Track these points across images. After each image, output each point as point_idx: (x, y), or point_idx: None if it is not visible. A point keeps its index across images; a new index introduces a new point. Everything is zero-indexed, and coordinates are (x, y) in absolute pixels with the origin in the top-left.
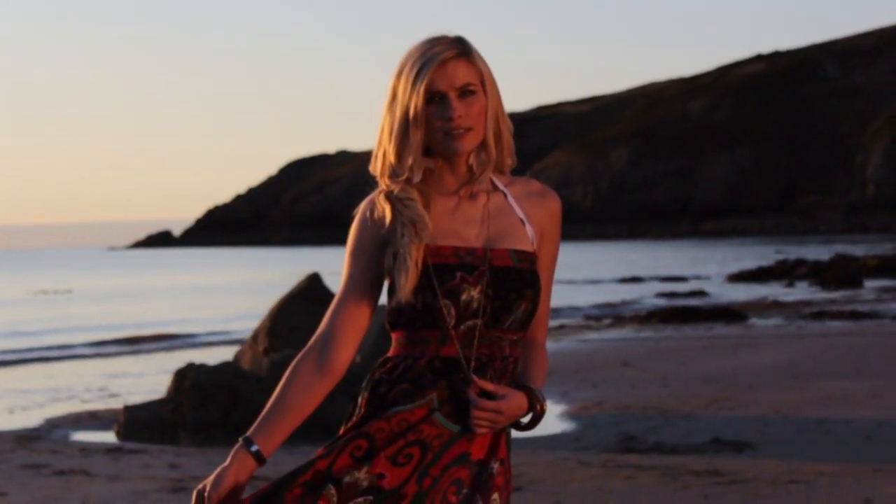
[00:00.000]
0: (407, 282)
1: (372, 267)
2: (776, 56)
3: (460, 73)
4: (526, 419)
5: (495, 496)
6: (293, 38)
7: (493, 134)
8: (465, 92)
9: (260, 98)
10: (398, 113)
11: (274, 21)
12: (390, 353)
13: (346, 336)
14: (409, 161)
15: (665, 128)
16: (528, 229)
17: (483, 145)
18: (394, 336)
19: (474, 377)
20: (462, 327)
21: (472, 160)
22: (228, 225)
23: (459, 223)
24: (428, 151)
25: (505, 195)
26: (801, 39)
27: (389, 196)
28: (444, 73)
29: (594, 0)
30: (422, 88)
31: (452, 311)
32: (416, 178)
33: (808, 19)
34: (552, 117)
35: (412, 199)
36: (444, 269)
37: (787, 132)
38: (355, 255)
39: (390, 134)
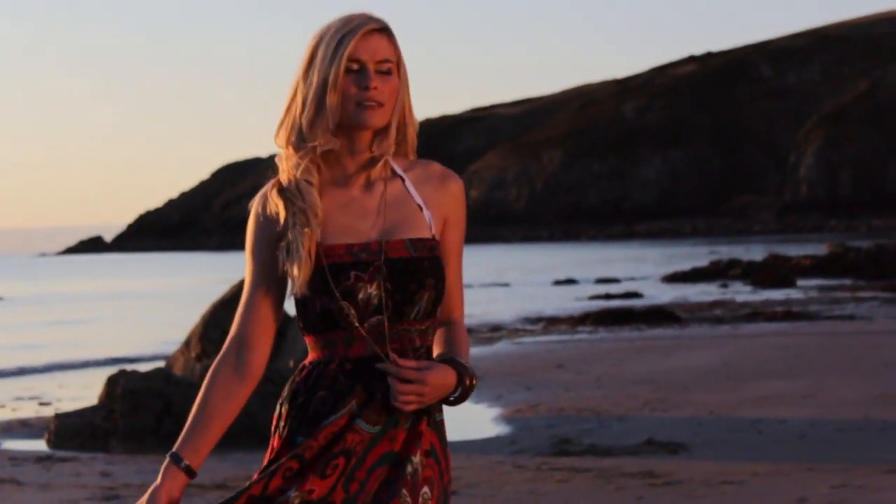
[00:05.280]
0: (300, 272)
1: (272, 265)
2: (708, 57)
3: (381, 48)
4: (455, 395)
5: (425, 490)
6: (226, 39)
7: (398, 121)
8: (382, 69)
9: (192, 101)
10: (315, 79)
11: (206, 22)
12: (307, 359)
13: (258, 338)
14: (322, 127)
15: (598, 129)
16: (427, 214)
17: (387, 129)
18: (305, 340)
19: (394, 356)
20: (366, 325)
21: (373, 145)
22: (160, 230)
23: (354, 216)
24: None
25: (403, 180)
26: (734, 40)
27: (282, 190)
28: (367, 44)
29: (528, 1)
30: (344, 54)
31: (353, 311)
32: (325, 146)
33: (739, 20)
34: (486, 119)
35: (309, 183)
36: (338, 269)
37: (720, 133)
38: (255, 255)
39: (304, 100)
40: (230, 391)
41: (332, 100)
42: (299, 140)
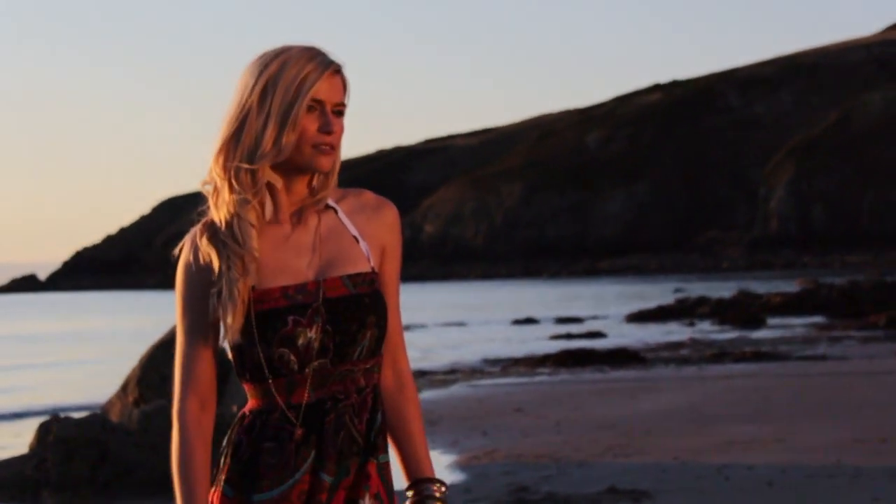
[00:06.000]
0: (234, 321)
1: (207, 314)
2: (674, 85)
3: (338, 90)
4: None
5: None
6: (165, 67)
7: (337, 162)
8: (338, 111)
9: (132, 133)
10: (274, 111)
11: (144, 51)
12: (247, 406)
13: (209, 388)
14: (268, 160)
15: (559, 161)
16: (364, 246)
17: (332, 171)
18: (244, 386)
19: None
20: (308, 370)
21: (315, 181)
22: (98, 267)
23: (289, 255)
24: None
25: (336, 212)
26: (700, 68)
27: (214, 234)
28: (331, 84)
29: (485, 27)
30: (309, 94)
31: (292, 358)
32: (269, 183)
33: (706, 47)
34: (441, 150)
35: (249, 224)
36: (274, 315)
37: (687, 165)
38: (188, 306)
39: (257, 131)
40: (207, 439)
41: (289, 138)
42: (243, 173)
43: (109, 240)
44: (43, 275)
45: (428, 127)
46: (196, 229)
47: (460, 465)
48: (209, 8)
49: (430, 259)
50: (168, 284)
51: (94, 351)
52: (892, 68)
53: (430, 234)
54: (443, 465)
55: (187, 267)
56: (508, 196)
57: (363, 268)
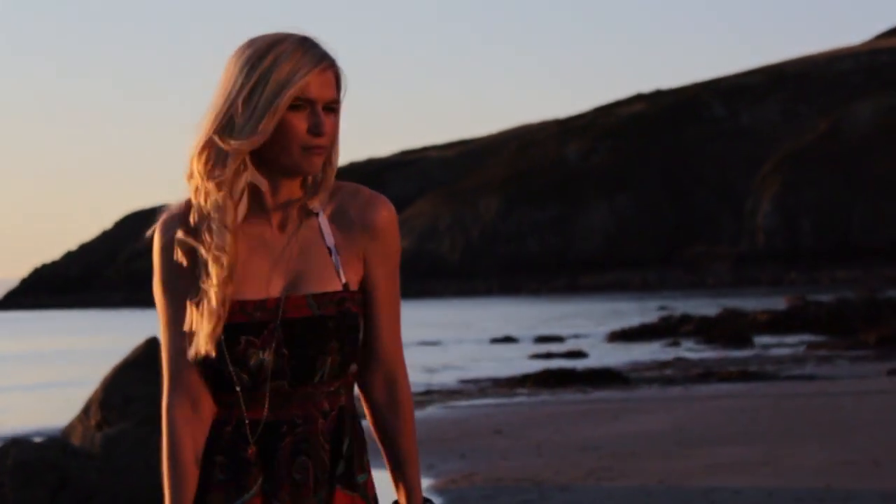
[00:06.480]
0: (211, 329)
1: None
2: (658, 95)
3: (331, 86)
4: None
5: None
6: (128, 77)
7: (334, 160)
8: (330, 108)
9: (93, 144)
10: (261, 106)
11: (107, 61)
12: None
13: (199, 384)
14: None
15: (539, 173)
16: (335, 260)
17: (322, 174)
18: None
19: None
20: (265, 388)
21: (307, 191)
22: (58, 285)
23: (256, 264)
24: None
25: (318, 216)
26: (684, 77)
27: (188, 231)
28: (323, 80)
29: (460, 34)
30: (294, 87)
31: (244, 377)
32: (252, 182)
33: (690, 55)
34: (416, 163)
35: (225, 227)
36: (229, 330)
37: (671, 177)
38: (170, 294)
39: (240, 126)
40: (196, 437)
41: (267, 125)
42: (222, 170)
43: (69, 256)
44: (0, 293)
45: (402, 138)
46: (171, 213)
47: (437, 489)
48: (175, 20)
49: (404, 275)
50: (132, 302)
51: (53, 372)
52: (882, 77)
53: (404, 249)
54: None
55: (163, 251)
56: (486, 210)
57: (331, 286)
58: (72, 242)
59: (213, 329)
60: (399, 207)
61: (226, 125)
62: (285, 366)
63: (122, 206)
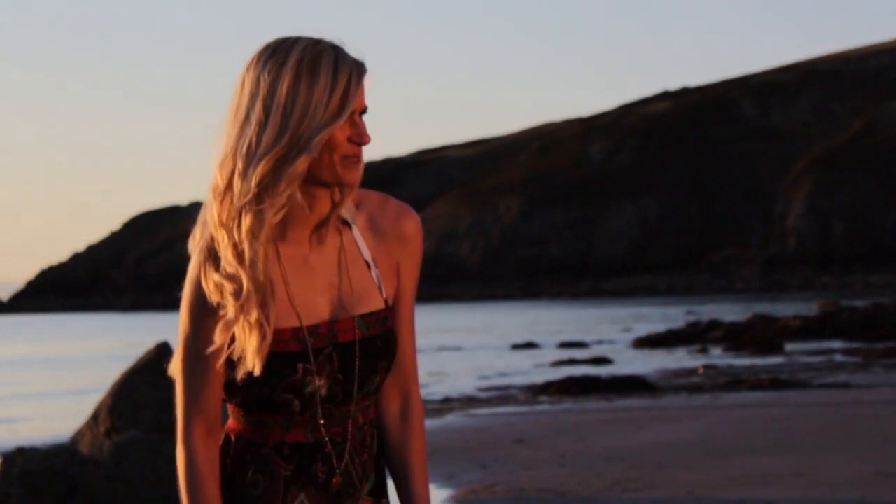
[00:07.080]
0: (258, 345)
1: (214, 338)
2: (684, 93)
3: (364, 92)
4: None
5: None
6: (137, 73)
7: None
8: (363, 113)
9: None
10: (301, 117)
11: (114, 56)
12: (229, 425)
13: (216, 413)
14: (290, 178)
15: (561, 174)
16: (375, 274)
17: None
18: (230, 408)
19: None
20: (312, 412)
21: (336, 195)
22: (65, 288)
23: (304, 286)
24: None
25: (351, 228)
26: (712, 74)
27: (216, 260)
28: (361, 88)
29: (480, 31)
30: (351, 104)
31: (296, 403)
32: (288, 203)
33: (719, 52)
34: (434, 162)
35: (262, 243)
36: (283, 359)
37: (698, 178)
38: (196, 326)
39: (273, 139)
40: (215, 465)
41: (322, 136)
42: (256, 188)
43: (77, 258)
44: (5, 296)
45: (419, 137)
46: (208, 242)
47: (457, 501)
48: (184, 20)
49: (422, 279)
50: (141, 305)
51: (61, 377)
52: None
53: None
54: (439, 501)
55: (196, 284)
56: (506, 212)
57: (376, 304)
58: (79, 244)
59: (259, 345)
60: (416, 208)
61: (287, 143)
62: (339, 391)
63: (131, 207)
